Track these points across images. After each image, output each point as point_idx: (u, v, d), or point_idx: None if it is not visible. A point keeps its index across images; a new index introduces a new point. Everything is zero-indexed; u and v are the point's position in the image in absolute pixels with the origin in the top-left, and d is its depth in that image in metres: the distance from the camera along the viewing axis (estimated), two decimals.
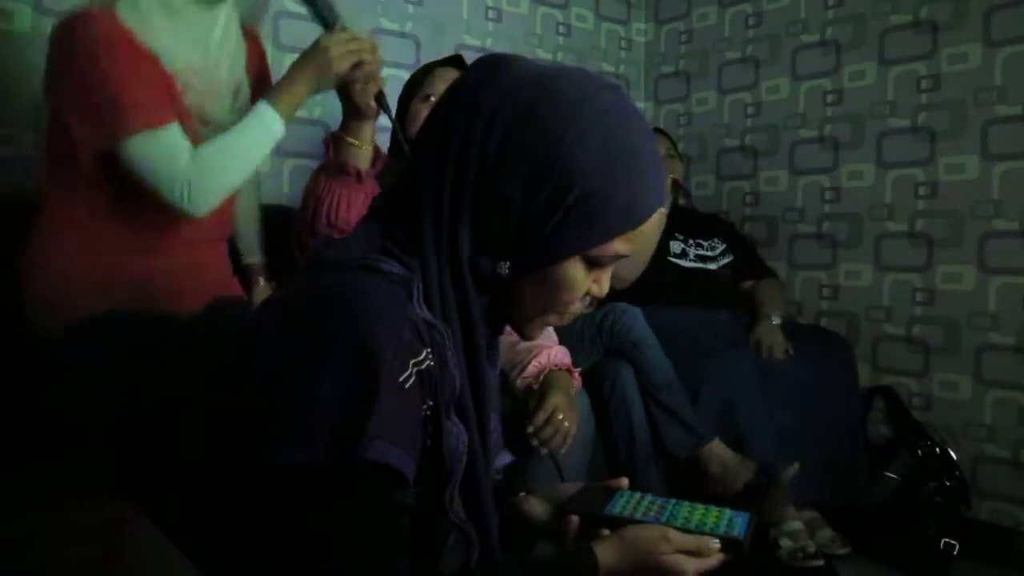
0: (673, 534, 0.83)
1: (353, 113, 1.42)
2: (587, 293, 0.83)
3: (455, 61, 1.90)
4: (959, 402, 2.26)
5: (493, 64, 0.81)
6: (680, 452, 1.90)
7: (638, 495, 0.94)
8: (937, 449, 2.21)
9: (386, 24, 2.45)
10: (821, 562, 1.97)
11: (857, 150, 2.48)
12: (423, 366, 0.73)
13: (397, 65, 2.48)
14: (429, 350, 0.74)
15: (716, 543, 0.84)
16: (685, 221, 2.48)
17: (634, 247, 0.82)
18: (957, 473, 2.18)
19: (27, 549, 0.64)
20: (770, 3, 2.71)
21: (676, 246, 2.41)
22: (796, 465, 1.89)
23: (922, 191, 2.33)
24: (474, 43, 2.63)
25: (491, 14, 2.67)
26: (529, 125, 0.76)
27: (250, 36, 1.52)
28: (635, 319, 1.95)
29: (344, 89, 1.36)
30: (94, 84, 1.22)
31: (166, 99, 1.27)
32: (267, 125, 1.29)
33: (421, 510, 0.76)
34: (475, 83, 0.80)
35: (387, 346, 0.70)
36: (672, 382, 1.92)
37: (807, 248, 2.61)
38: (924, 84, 2.32)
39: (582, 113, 0.76)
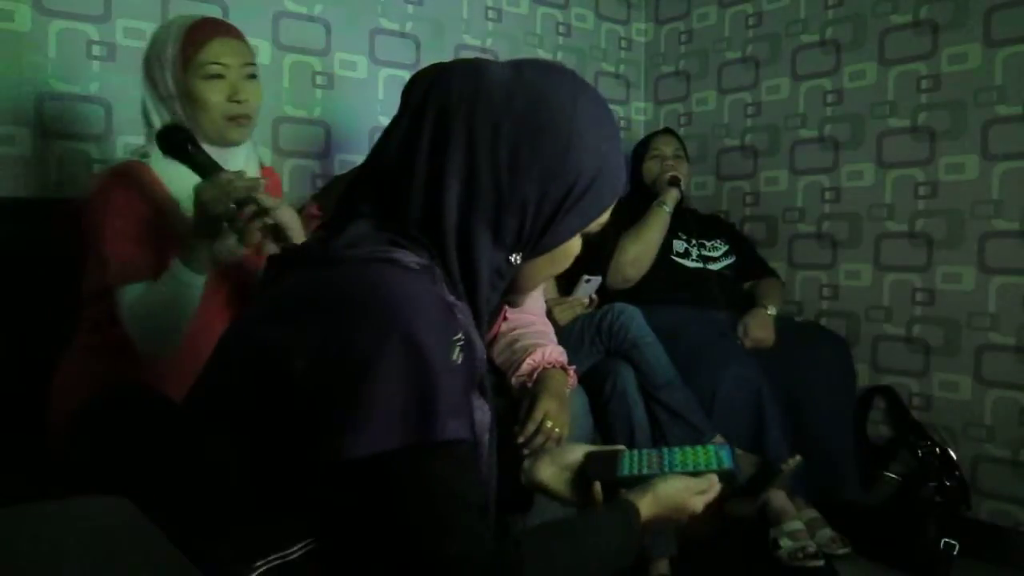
0: (692, 483, 0.97)
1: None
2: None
3: None
4: (959, 402, 2.26)
5: (470, 76, 0.85)
6: None
7: (636, 453, 1.05)
8: (937, 449, 2.21)
9: (386, 24, 2.46)
10: (821, 562, 1.97)
11: (857, 150, 2.48)
12: (461, 343, 0.78)
13: (397, 65, 2.48)
14: (460, 330, 0.79)
15: (715, 478, 0.98)
16: (688, 221, 2.48)
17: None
18: (957, 473, 2.18)
19: (26, 547, 0.64)
20: (770, 3, 2.71)
21: (679, 245, 2.42)
22: (798, 458, 1.88)
23: (922, 191, 2.33)
24: (474, 43, 2.63)
25: (491, 14, 2.67)
26: (535, 136, 0.82)
27: (265, 171, 1.64)
28: (633, 318, 1.95)
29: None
30: (100, 235, 1.37)
31: (155, 253, 1.37)
32: (183, 281, 1.33)
33: None
34: (463, 97, 0.83)
35: (431, 330, 0.74)
36: (672, 380, 1.92)
37: (807, 248, 2.61)
38: (924, 84, 2.32)
39: (577, 114, 0.84)
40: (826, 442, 2.13)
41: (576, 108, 0.84)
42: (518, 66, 0.86)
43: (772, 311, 2.29)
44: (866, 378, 2.41)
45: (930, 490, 2.16)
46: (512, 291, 0.92)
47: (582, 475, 1.04)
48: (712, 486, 0.98)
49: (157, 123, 1.44)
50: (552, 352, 1.67)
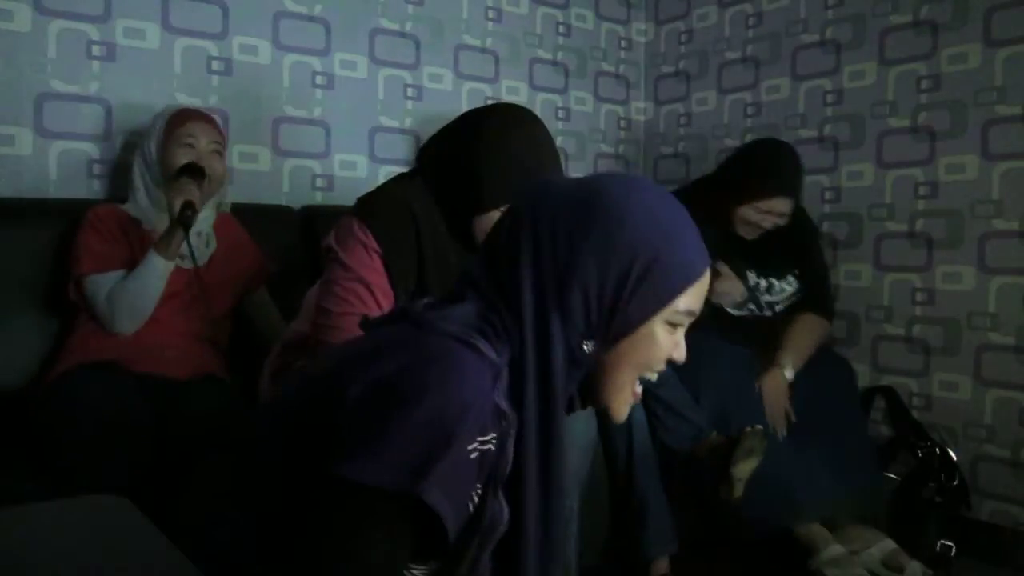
0: None
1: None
2: (668, 359, 0.96)
3: None
4: (959, 402, 2.26)
5: (540, 185, 0.96)
6: (678, 445, 1.88)
7: None
8: (937, 449, 2.21)
9: (386, 24, 2.46)
10: None
11: (857, 150, 2.48)
12: (485, 447, 0.84)
13: (397, 65, 2.48)
14: (495, 436, 0.85)
15: None
16: (761, 253, 2.22)
17: (700, 303, 0.95)
18: (957, 473, 2.18)
19: (26, 547, 0.64)
20: (770, 3, 2.71)
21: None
22: (759, 428, 1.81)
23: (922, 191, 2.33)
24: (474, 43, 2.64)
25: (491, 14, 2.67)
26: (590, 220, 0.90)
27: (222, 215, 1.95)
28: None
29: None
30: (76, 244, 1.73)
31: (117, 254, 1.73)
32: (156, 267, 1.69)
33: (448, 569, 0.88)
34: (530, 201, 0.94)
35: (469, 415, 0.80)
36: (669, 377, 1.92)
37: None
38: (924, 84, 2.32)
39: (630, 202, 0.91)
40: (836, 443, 2.11)
41: (629, 197, 0.92)
42: (591, 176, 0.95)
43: (789, 374, 2.08)
44: (866, 378, 2.41)
45: (930, 490, 2.16)
46: (597, 387, 0.97)
47: None
48: None
49: (139, 185, 1.81)
50: None
